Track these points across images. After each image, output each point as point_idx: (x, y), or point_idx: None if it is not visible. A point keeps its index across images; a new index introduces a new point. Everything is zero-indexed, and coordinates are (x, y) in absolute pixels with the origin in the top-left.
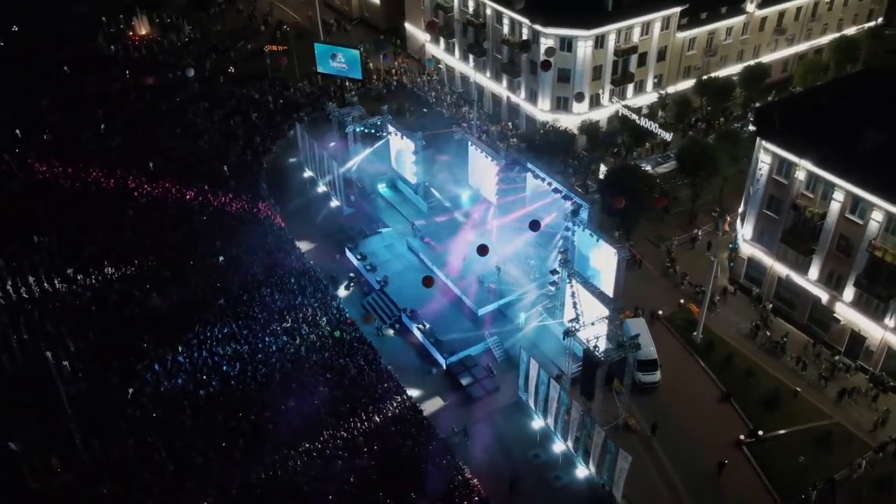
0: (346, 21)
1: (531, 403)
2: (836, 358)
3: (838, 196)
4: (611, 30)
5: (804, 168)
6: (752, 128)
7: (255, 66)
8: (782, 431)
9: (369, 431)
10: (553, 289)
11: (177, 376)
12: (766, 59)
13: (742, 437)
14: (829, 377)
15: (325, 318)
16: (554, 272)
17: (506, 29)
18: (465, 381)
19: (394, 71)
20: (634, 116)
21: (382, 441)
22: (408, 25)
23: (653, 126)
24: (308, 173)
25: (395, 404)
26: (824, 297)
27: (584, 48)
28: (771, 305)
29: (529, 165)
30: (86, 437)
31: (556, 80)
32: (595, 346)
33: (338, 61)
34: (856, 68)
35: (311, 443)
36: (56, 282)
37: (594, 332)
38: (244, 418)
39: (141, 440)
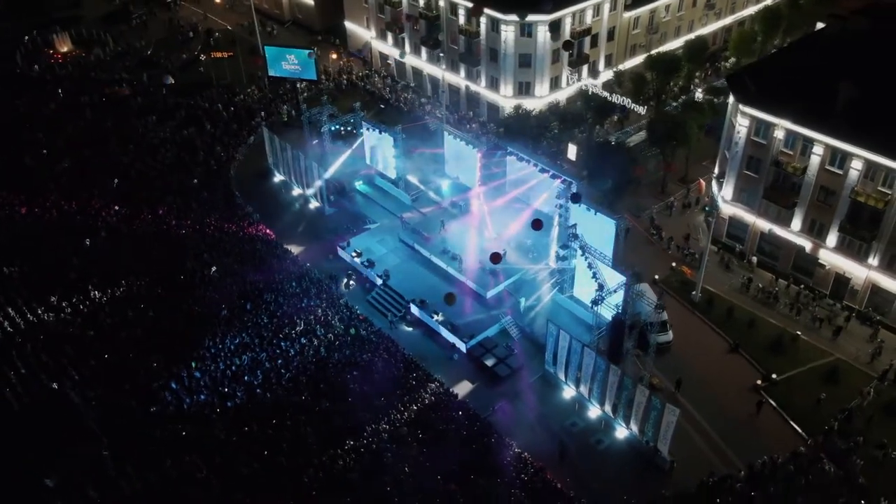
0: (274, 24)
1: (561, 375)
2: (801, 287)
3: (818, 150)
4: (567, 13)
5: (783, 127)
6: (699, 97)
7: (194, 76)
8: (792, 372)
9: (410, 421)
10: (560, 264)
11: (198, 392)
12: (698, 33)
13: (759, 381)
14: (798, 305)
15: (336, 318)
16: (564, 247)
17: (461, 19)
18: (489, 363)
19: (338, 71)
20: (605, 94)
21: (426, 428)
22: (348, 24)
23: (626, 101)
24: (279, 177)
25: (428, 391)
26: (808, 245)
27: (543, 33)
28: (755, 259)
29: (511, 149)
30: (119, 464)
31: (518, 65)
32: (622, 312)
33: (290, 63)
34: (779, 35)
35: (356, 440)
36: (40, 311)
37: (616, 299)
38: (279, 425)
39: (178, 460)
